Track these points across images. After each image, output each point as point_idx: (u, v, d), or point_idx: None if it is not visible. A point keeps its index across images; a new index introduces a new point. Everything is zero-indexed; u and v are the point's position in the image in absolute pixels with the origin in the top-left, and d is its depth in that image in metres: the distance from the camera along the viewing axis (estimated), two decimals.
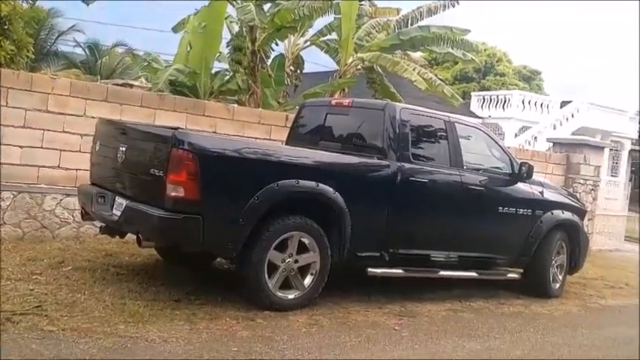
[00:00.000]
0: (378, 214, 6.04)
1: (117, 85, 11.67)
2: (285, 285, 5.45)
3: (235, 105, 10.24)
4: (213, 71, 11.96)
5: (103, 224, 5.80)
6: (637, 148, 30.45)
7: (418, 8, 12.70)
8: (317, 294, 5.65)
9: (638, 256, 12.55)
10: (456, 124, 6.84)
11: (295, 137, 7.22)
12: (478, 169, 6.92)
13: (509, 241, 7.15)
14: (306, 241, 5.53)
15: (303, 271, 5.55)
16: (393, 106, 6.52)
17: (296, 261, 5.48)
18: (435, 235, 6.51)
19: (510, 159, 7.15)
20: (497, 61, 30.66)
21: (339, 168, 5.95)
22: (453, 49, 12.35)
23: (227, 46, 12.35)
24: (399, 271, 6.21)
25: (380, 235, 6.06)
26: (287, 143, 7.23)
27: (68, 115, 7.26)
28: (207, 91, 11.12)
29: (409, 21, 12.68)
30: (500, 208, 6.92)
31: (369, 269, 6.01)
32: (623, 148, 28.65)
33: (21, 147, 7.00)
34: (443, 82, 12.84)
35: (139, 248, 5.51)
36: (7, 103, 6.90)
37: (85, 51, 23.27)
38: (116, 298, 5.06)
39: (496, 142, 7.33)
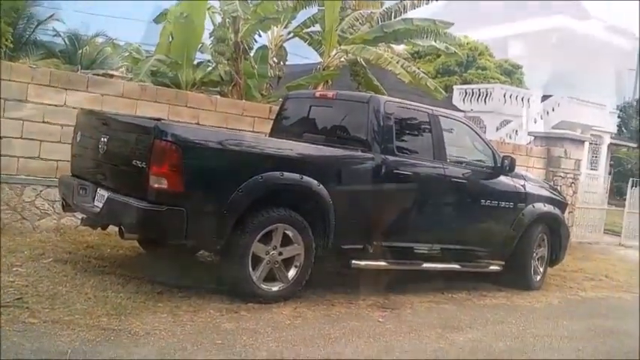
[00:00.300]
0: (362, 206, 6.05)
1: (97, 75, 11.54)
2: (270, 277, 5.44)
3: (218, 96, 10.17)
4: (195, 62, 11.85)
5: (85, 216, 5.73)
6: (616, 142, 30.86)
7: (402, 1, 12.69)
8: (301, 286, 5.64)
9: (619, 250, 12.77)
10: (439, 117, 6.86)
11: (279, 129, 7.19)
12: (461, 162, 6.96)
13: (491, 233, 7.21)
14: (290, 233, 5.52)
15: (287, 263, 5.54)
16: (377, 99, 6.53)
17: (280, 253, 5.47)
18: (418, 227, 6.53)
19: (493, 152, 7.19)
20: (478, 55, 30.77)
21: (323, 160, 5.94)
22: (436, 42, 12.36)
23: (209, 37, 12.24)
24: (382, 263, 6.23)
25: (364, 228, 6.07)
26: (271, 135, 7.20)
27: (48, 105, 7.15)
28: (190, 82, 11.02)
29: (392, 13, 12.66)
30: (482, 200, 6.97)
31: (353, 261, 6.02)
32: (602, 141, 29.00)
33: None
34: (426, 76, 12.84)
35: (121, 240, 5.46)
36: None
37: (64, 41, 22.94)
38: (98, 290, 5.01)
39: (479, 136, 7.37)
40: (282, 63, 13.37)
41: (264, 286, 5.39)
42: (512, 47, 32.24)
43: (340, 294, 5.95)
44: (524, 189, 7.45)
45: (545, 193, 7.96)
